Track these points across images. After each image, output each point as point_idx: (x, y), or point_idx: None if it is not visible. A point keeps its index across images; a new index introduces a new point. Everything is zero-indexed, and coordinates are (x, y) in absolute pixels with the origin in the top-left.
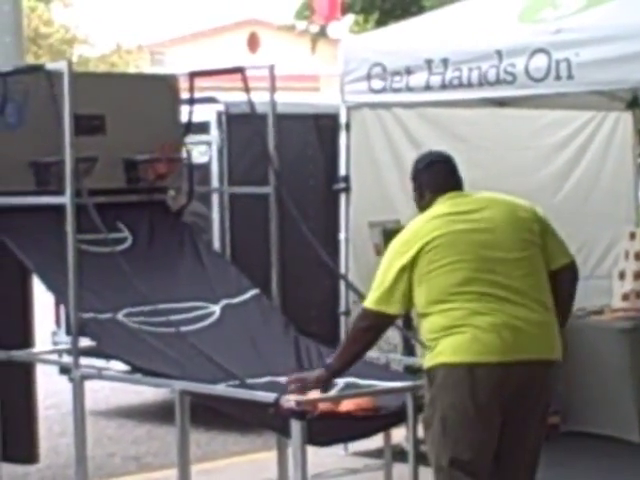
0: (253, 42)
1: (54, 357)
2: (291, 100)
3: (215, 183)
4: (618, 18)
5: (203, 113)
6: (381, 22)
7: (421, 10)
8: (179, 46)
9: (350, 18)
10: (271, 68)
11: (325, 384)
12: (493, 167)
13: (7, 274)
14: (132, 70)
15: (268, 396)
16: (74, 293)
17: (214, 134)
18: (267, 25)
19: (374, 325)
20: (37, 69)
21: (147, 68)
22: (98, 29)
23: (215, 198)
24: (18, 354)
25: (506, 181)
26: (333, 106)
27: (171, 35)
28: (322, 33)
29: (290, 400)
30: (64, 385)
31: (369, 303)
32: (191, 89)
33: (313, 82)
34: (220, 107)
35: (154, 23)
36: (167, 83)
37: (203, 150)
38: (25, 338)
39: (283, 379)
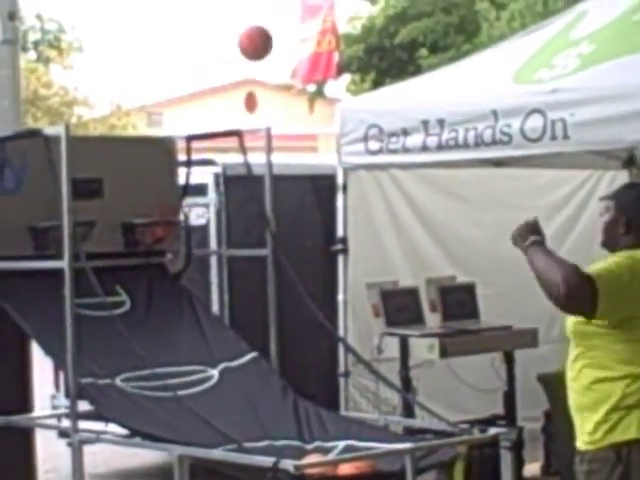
0: (250, 102)
1: (53, 421)
2: (288, 161)
3: (213, 245)
4: (612, 78)
5: (200, 175)
6: (378, 81)
7: (417, 69)
8: (177, 106)
9: (347, 77)
10: (268, 131)
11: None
12: (492, 227)
13: (5, 338)
14: (129, 131)
15: (266, 460)
16: (72, 358)
17: (212, 196)
18: (264, 85)
19: (577, 294)
20: (35, 134)
21: (144, 129)
22: (97, 91)
23: (213, 260)
24: (16, 419)
25: (506, 242)
26: (330, 167)
27: (168, 96)
28: (319, 92)
29: (289, 464)
30: (63, 448)
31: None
32: (188, 152)
33: (311, 141)
34: (217, 169)
35: (151, 84)
36: (164, 146)
37: (201, 212)
38: (24, 403)
39: (281, 442)
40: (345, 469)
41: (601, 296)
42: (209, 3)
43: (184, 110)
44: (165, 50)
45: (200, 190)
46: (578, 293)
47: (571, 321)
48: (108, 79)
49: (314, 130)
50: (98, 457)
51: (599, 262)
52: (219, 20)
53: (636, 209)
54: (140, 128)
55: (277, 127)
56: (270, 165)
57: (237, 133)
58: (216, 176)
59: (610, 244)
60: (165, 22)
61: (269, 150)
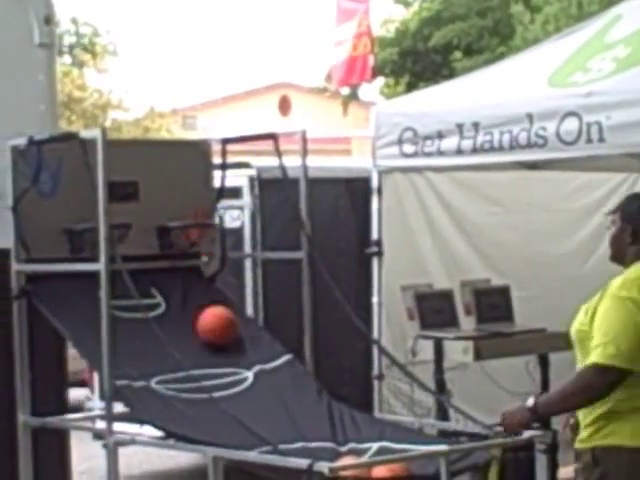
0: (285, 105)
1: (88, 423)
2: (323, 164)
3: (248, 248)
4: None
5: (235, 178)
6: (411, 84)
7: (452, 72)
8: (211, 109)
9: (380, 80)
10: (303, 134)
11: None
12: (526, 230)
13: (41, 340)
14: (163, 134)
15: (301, 462)
16: (108, 360)
17: (246, 199)
18: (298, 88)
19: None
20: (71, 137)
21: (178, 132)
22: (131, 93)
23: (248, 263)
24: (52, 420)
25: (540, 245)
26: (365, 170)
27: (203, 99)
28: (353, 95)
29: (324, 466)
30: (98, 450)
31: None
32: (223, 155)
33: (345, 144)
34: (252, 172)
35: (186, 87)
36: (199, 149)
37: (235, 215)
38: (59, 404)
39: (316, 444)
40: (379, 472)
41: (627, 354)
42: (244, 6)
43: (218, 113)
44: (199, 53)
45: (235, 193)
46: (607, 379)
47: (574, 328)
48: (142, 82)
49: (348, 133)
50: (133, 459)
51: (608, 302)
52: (254, 23)
53: None
54: (174, 131)
55: (310, 130)
56: (305, 168)
57: (272, 136)
58: (251, 179)
59: (619, 256)
60: (200, 25)
61: (304, 153)
